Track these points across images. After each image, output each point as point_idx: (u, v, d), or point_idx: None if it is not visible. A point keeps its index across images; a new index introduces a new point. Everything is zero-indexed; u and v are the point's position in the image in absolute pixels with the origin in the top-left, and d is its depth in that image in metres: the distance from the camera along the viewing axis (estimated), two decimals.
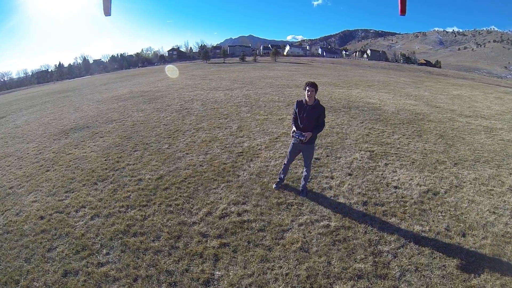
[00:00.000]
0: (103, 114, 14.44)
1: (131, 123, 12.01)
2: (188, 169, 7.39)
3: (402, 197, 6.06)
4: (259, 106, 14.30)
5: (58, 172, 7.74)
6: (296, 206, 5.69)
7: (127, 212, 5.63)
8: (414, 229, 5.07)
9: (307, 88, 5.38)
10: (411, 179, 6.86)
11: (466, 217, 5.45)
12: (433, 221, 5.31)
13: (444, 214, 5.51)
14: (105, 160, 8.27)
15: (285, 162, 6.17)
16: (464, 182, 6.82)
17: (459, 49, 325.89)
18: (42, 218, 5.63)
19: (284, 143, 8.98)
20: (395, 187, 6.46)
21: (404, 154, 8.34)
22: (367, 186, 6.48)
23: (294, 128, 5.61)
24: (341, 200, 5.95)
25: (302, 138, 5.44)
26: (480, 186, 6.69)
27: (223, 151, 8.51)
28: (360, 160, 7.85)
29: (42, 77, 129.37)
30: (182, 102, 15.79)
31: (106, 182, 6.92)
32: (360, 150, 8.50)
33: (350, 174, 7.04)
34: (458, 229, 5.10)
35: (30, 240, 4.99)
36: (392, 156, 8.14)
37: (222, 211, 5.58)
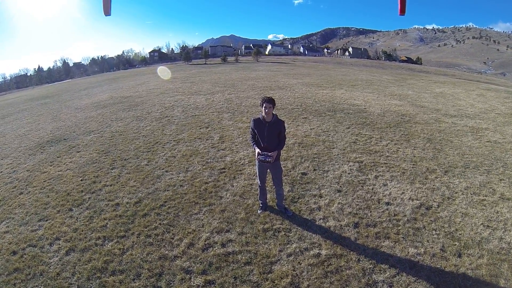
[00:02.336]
0: (81, 124, 13.87)
1: (109, 135, 11.51)
2: (168, 190, 6.94)
3: (395, 215, 5.75)
4: (242, 112, 13.93)
5: (32, 195, 7.22)
6: (283, 233, 5.30)
7: (104, 245, 5.17)
8: (409, 252, 4.76)
9: (264, 105, 5.07)
10: (403, 192, 6.58)
11: (460, 234, 5.20)
12: (427, 241, 5.02)
13: (438, 232, 5.24)
14: (81, 180, 7.76)
15: (259, 184, 5.81)
16: (456, 193, 6.60)
17: (439, 46, 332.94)
18: (14, 253, 5.13)
19: None
20: (387, 203, 6.16)
21: (394, 163, 8.08)
22: (357, 204, 6.14)
23: (258, 150, 5.25)
24: (331, 222, 5.57)
25: (269, 159, 5.17)
26: (472, 196, 6.47)
27: (204, 167, 8.08)
28: (349, 173, 7.53)
29: (21, 81, 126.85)
30: (162, 109, 15.31)
31: (81, 208, 6.42)
32: (349, 161, 8.19)
33: (339, 191, 6.69)
34: (453, 249, 4.84)
35: (3, 280, 4.51)
36: (382, 167, 7.86)
37: (205, 241, 5.15)
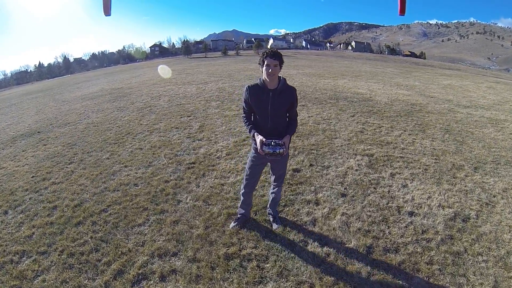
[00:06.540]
0: (61, 116, 12.50)
1: (83, 126, 10.09)
2: (117, 190, 5.33)
3: (423, 232, 4.02)
4: (232, 100, 12.41)
5: None
6: (255, 263, 3.44)
7: (20, 263, 3.70)
8: None
9: (266, 61, 3.09)
10: (429, 197, 4.89)
11: None
12: (474, 274, 3.33)
13: (486, 259, 3.56)
14: (33, 177, 6.32)
15: (245, 190, 3.85)
16: (494, 197, 4.99)
17: (442, 41, 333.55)
18: None
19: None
20: (411, 214, 4.43)
21: (412, 157, 6.44)
22: (370, 215, 4.37)
23: (261, 137, 3.17)
24: (332, 245, 3.76)
25: (281, 150, 3.12)
26: None
27: (170, 161, 6.44)
28: (356, 169, 5.83)
29: (21, 78, 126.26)
30: (148, 99, 13.88)
31: (17, 211, 4.96)
32: (356, 154, 6.54)
33: (344, 195, 4.92)
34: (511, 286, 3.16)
35: None
36: (398, 162, 6.21)
37: (140, 269, 3.44)
